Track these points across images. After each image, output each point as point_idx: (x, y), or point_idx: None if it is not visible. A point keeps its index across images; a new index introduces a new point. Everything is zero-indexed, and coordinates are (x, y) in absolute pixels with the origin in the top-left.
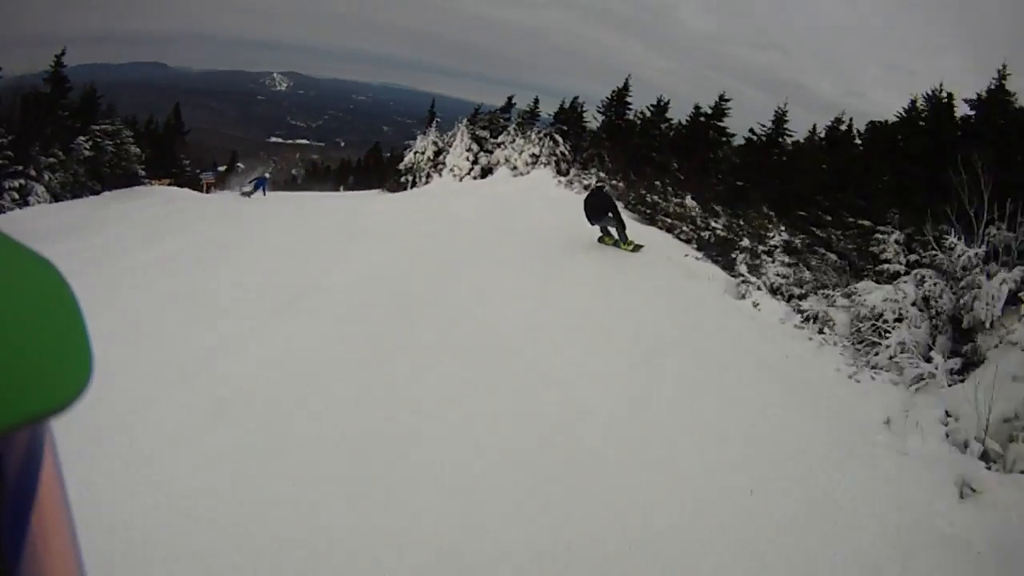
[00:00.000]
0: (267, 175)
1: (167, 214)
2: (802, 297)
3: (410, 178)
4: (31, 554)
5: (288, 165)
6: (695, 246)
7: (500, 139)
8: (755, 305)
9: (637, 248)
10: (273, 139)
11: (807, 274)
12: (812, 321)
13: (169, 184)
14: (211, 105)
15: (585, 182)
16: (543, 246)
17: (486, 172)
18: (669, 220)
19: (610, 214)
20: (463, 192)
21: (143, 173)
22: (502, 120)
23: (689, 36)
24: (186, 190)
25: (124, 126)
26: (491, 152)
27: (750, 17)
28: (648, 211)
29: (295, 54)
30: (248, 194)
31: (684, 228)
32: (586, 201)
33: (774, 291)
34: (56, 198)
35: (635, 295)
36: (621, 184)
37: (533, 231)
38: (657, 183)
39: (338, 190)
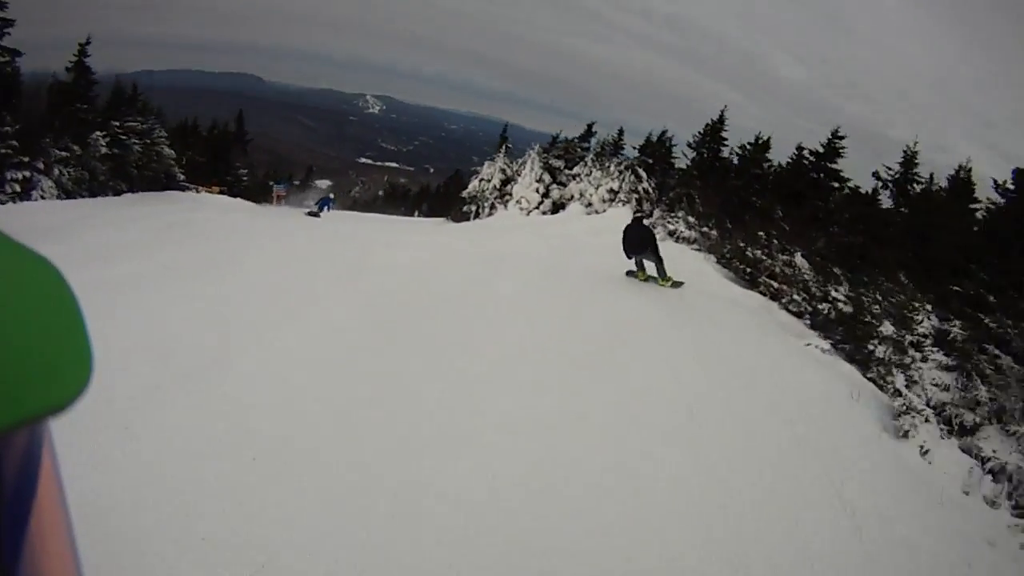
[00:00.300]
0: (331, 195)
1: (170, 226)
2: (975, 429)
3: (473, 208)
4: (30, 555)
5: (376, 186)
6: (808, 321)
7: (575, 170)
8: (924, 453)
9: (676, 284)
10: (363, 160)
11: (983, 390)
12: (996, 477)
13: (219, 192)
14: (304, 121)
15: (670, 227)
16: (609, 319)
17: (557, 207)
18: (775, 284)
19: (649, 248)
20: (528, 228)
21: (182, 176)
22: (579, 149)
23: (781, 84)
24: (238, 200)
25: (158, 125)
26: (564, 185)
27: (843, 68)
28: (748, 269)
29: (389, 78)
30: (315, 214)
31: (795, 296)
32: (625, 233)
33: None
34: (68, 194)
35: (734, 433)
36: (714, 232)
37: (600, 292)
38: (760, 234)
39: (412, 215)
